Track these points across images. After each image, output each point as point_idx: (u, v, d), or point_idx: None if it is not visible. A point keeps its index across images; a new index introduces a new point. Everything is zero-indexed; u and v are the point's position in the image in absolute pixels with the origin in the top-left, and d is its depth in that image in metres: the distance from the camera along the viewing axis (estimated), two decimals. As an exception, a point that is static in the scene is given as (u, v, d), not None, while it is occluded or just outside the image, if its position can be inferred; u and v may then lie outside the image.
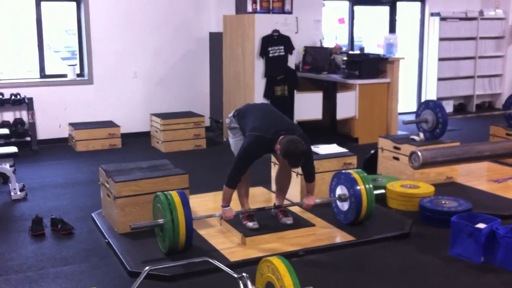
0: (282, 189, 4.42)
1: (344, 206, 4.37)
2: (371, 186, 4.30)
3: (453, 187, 5.35)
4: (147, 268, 2.90)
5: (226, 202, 4.01)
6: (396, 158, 5.55)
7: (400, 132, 7.53)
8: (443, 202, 4.57)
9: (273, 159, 4.99)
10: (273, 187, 4.73)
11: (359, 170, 4.56)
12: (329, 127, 7.80)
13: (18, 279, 3.58)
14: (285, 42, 6.79)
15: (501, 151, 2.38)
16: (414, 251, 4.02)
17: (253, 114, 4.15)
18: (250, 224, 4.14)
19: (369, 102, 7.48)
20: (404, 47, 9.35)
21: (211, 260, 2.98)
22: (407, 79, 9.69)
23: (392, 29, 9.57)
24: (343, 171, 4.52)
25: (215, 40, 7.81)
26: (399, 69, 7.60)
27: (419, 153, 2.30)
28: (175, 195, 3.81)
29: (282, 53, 6.80)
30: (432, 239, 4.22)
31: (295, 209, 4.67)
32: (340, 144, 5.46)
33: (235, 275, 2.84)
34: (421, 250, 4.03)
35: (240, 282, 2.80)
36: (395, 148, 5.57)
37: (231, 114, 4.35)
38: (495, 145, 2.41)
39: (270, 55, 6.73)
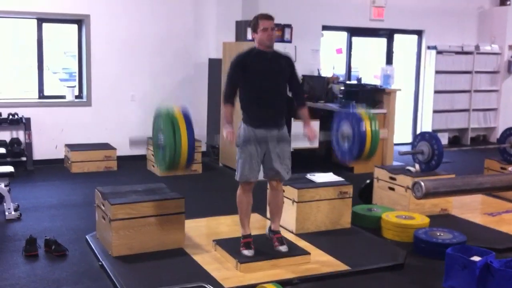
0: (275, 212, 4.40)
1: (347, 144, 4.32)
2: (377, 128, 4.24)
3: (448, 219, 5.36)
4: (141, 292, 2.89)
5: (227, 119, 4.16)
6: (392, 189, 5.57)
7: (395, 163, 7.57)
8: (438, 234, 4.58)
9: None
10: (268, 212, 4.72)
11: (367, 109, 4.54)
12: (325, 156, 7.82)
13: (9, 300, 3.55)
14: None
15: (500, 184, 2.43)
16: (408, 283, 4.02)
17: None
18: (246, 252, 4.14)
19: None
20: (401, 79, 9.46)
21: (207, 286, 2.97)
22: (403, 110, 9.77)
23: (389, 60, 9.69)
24: (346, 111, 4.46)
25: (214, 66, 7.88)
26: (396, 100, 7.67)
27: (422, 184, 2.36)
28: (177, 112, 3.76)
29: (281, 81, 6.84)
30: (426, 270, 4.22)
31: (290, 236, 4.68)
32: (335, 173, 5.49)
33: (231, 302, 2.83)
34: (415, 281, 4.03)
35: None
36: (391, 178, 5.59)
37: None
38: (495, 177, 2.48)
39: (269, 82, 6.77)
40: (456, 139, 10.22)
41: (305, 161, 7.57)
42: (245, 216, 4.28)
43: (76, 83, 7.84)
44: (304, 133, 4.24)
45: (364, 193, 5.84)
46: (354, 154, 4.25)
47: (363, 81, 8.27)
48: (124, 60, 7.78)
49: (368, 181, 5.94)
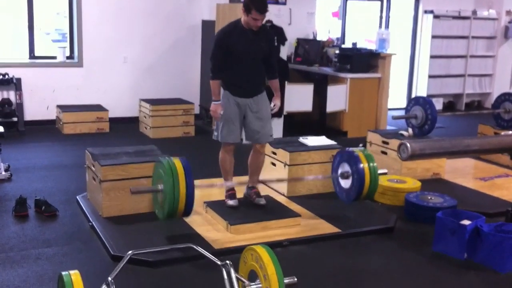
0: (254, 171, 4.47)
1: (347, 183, 4.30)
2: (375, 164, 4.22)
3: (440, 184, 5.37)
4: (129, 252, 2.88)
5: (215, 94, 4.21)
6: (384, 153, 5.56)
7: (389, 127, 7.55)
8: (429, 198, 4.58)
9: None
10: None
11: (363, 148, 4.54)
12: (319, 120, 7.78)
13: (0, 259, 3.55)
14: (278, 32, 6.74)
15: (488, 146, 2.38)
16: (397, 246, 4.03)
17: None
18: (231, 202, 4.25)
19: (359, 96, 7.48)
20: (397, 43, 9.36)
21: (195, 247, 2.96)
22: (398, 75, 9.69)
23: (385, 25, 9.56)
24: (346, 149, 4.44)
25: (208, 28, 7.76)
26: (391, 65, 7.60)
27: (408, 145, 2.30)
28: (177, 162, 3.73)
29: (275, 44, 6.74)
30: (416, 234, 4.24)
31: (281, 199, 4.68)
32: (329, 137, 5.46)
33: (219, 262, 2.82)
34: (405, 245, 4.04)
35: (223, 269, 2.78)
36: (384, 142, 5.58)
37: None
38: (483, 140, 2.41)
39: (263, 45, 6.68)
40: (451, 104, 10.19)
41: (299, 125, 7.55)
42: (228, 173, 4.39)
43: (67, 44, 7.71)
44: (273, 104, 4.40)
45: (356, 157, 5.81)
46: (353, 194, 4.24)
47: (358, 45, 8.17)
48: (115, 21, 7.64)
49: (360, 145, 5.91)
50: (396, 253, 3.93)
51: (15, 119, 7.16)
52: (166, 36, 7.93)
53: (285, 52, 7.04)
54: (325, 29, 9.09)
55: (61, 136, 7.06)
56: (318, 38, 8.48)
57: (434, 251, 3.90)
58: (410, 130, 5.61)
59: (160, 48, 7.93)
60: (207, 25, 7.83)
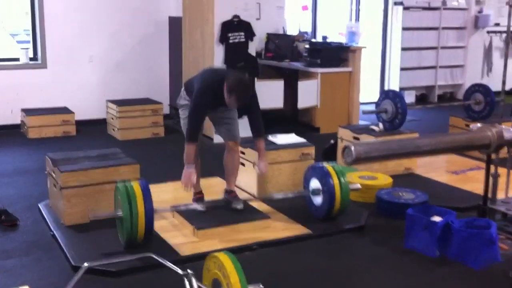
0: (231, 173, 4.35)
1: (318, 200, 4.21)
2: (345, 180, 4.13)
3: (411, 179, 5.31)
4: (85, 265, 2.74)
5: (189, 160, 3.91)
6: (355, 149, 5.48)
7: (361, 122, 7.47)
8: (400, 194, 4.52)
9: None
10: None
11: (334, 163, 4.42)
12: (291, 117, 7.70)
13: (-48, 274, 3.38)
14: (246, 28, 6.62)
15: (442, 146, 2.26)
16: (369, 244, 3.95)
17: (199, 76, 4.11)
18: (197, 205, 4.11)
19: (330, 91, 7.40)
20: (368, 36, 9.30)
21: (154, 256, 2.84)
22: (370, 68, 9.65)
23: (355, 17, 9.49)
24: (316, 164, 4.36)
25: (175, 24, 7.60)
26: (361, 58, 7.53)
27: (352, 148, 2.15)
28: (135, 186, 3.61)
29: (243, 40, 6.64)
30: (388, 231, 4.16)
31: (251, 201, 4.56)
32: (301, 133, 5.36)
33: (180, 272, 2.70)
34: (377, 243, 3.97)
35: (185, 279, 2.67)
36: (354, 138, 5.49)
37: (182, 88, 4.27)
38: (435, 139, 2.28)
39: (230, 41, 6.56)
40: (424, 96, 10.17)
41: (271, 122, 7.37)
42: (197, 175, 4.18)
43: (30, 45, 7.48)
44: (257, 166, 4.14)
45: (328, 154, 5.73)
46: (324, 212, 4.14)
47: (329, 39, 8.08)
48: (80, 19, 7.43)
49: (332, 141, 5.84)
50: (367, 251, 3.85)
51: (-23, 124, 6.93)
52: (133, 33, 7.75)
53: (254, 48, 6.92)
54: (295, 23, 8.98)
55: (26, 140, 6.84)
56: (288, 33, 8.37)
57: (406, 248, 3.83)
58: (380, 124, 5.54)
59: (126, 46, 7.74)
60: (174, 22, 7.67)
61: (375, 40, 9.78)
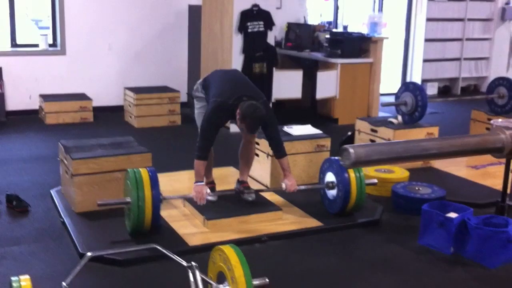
0: (245, 164, 4.28)
1: (332, 194, 4.11)
2: (361, 174, 4.03)
3: (429, 173, 5.18)
4: (88, 254, 2.71)
5: (199, 177, 3.82)
6: (373, 141, 5.37)
7: (381, 114, 7.35)
8: (417, 188, 4.40)
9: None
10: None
11: None
12: (309, 107, 7.60)
13: (-39, 259, 3.38)
14: (265, 17, 6.53)
15: (450, 149, 2.10)
16: (383, 240, 3.86)
17: (218, 81, 4.00)
18: (208, 190, 3.96)
19: (350, 82, 7.28)
20: (391, 26, 9.12)
21: (159, 248, 2.79)
22: (392, 59, 9.47)
23: (378, 7, 9.31)
24: (333, 157, 4.27)
25: (195, 13, 7.53)
26: (382, 49, 7.38)
27: (351, 150, 1.99)
28: (144, 172, 3.60)
29: (262, 29, 6.55)
30: (402, 227, 4.06)
31: (263, 192, 4.49)
32: (319, 124, 5.27)
33: (184, 264, 2.65)
34: (391, 238, 3.87)
35: (189, 271, 2.62)
36: (372, 130, 5.39)
37: (198, 82, 4.20)
38: (443, 141, 2.12)
39: (249, 30, 6.47)
40: (447, 89, 9.97)
41: (289, 113, 7.34)
42: (207, 169, 4.15)
43: (49, 31, 7.49)
44: (284, 185, 3.97)
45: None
46: (338, 207, 4.04)
47: (350, 29, 7.94)
48: (100, 7, 7.41)
49: (349, 133, 5.74)
50: (381, 247, 3.76)
51: (-4, 109, 6.97)
52: (152, 22, 7.70)
53: (272, 37, 6.82)
54: (317, 13, 8.85)
55: (44, 126, 6.86)
56: (310, 22, 8.25)
57: (420, 244, 3.73)
58: (399, 117, 5.42)
59: (146, 35, 7.71)
60: (194, 10, 7.60)
61: (398, 30, 9.60)
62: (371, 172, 4.69)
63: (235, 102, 3.74)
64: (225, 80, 4.02)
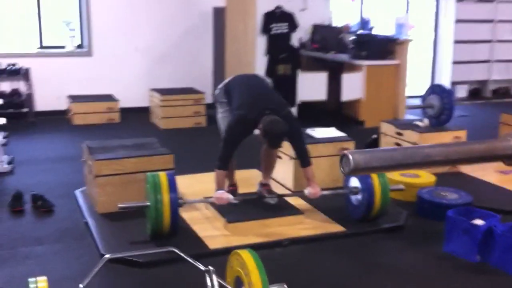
0: (268, 167, 4.27)
1: (356, 200, 4.05)
2: (386, 179, 3.97)
3: (457, 178, 5.07)
4: (106, 256, 2.72)
5: (219, 186, 3.81)
6: (398, 144, 5.29)
7: (408, 117, 7.24)
8: (443, 193, 4.31)
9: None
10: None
11: None
12: (335, 109, 7.53)
13: (-14, 258, 3.43)
14: (289, 19, 6.51)
15: (456, 156, 1.99)
16: (406, 246, 3.78)
17: (240, 90, 3.96)
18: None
19: (376, 84, 7.19)
20: (419, 28, 8.99)
21: (176, 251, 2.78)
22: (421, 61, 9.34)
23: (405, 9, 9.19)
24: None
25: (219, 15, 7.55)
26: (408, 51, 7.28)
27: (350, 157, 1.91)
28: (162, 177, 3.61)
29: (286, 31, 6.52)
30: (427, 233, 3.98)
31: (286, 195, 4.45)
32: (345, 126, 5.22)
33: (202, 268, 2.64)
34: (414, 245, 3.79)
35: (207, 275, 2.60)
36: (398, 133, 5.31)
37: (220, 86, 4.18)
38: (448, 148, 2.02)
39: (273, 32, 6.46)
40: (477, 91, 9.79)
41: (313, 115, 7.29)
42: (229, 172, 4.14)
43: (76, 33, 7.58)
44: (307, 192, 3.94)
45: (369, 148, 5.55)
46: (361, 213, 3.98)
47: (376, 31, 7.85)
48: (126, 9, 7.50)
49: (374, 136, 5.66)
50: (403, 253, 3.69)
51: (25, 110, 7.09)
52: (178, 24, 7.75)
53: (298, 39, 6.78)
54: (342, 14, 8.77)
55: (71, 127, 6.96)
56: (335, 24, 8.18)
57: (444, 251, 3.65)
58: (426, 120, 5.33)
59: (171, 36, 7.76)
60: (218, 12, 7.62)
61: (426, 32, 9.46)
62: (396, 177, 4.62)
63: (257, 118, 3.70)
64: (247, 89, 3.95)
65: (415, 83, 8.88)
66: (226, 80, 4.18)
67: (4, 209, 4.21)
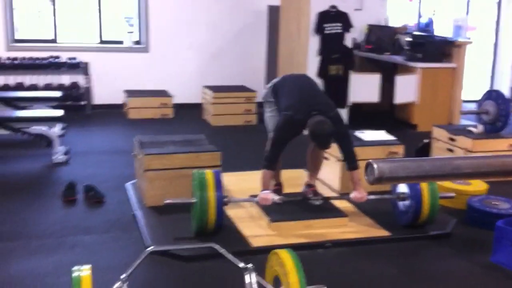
0: (314, 168, 4.27)
1: (404, 205, 3.99)
2: (435, 186, 3.90)
3: (510, 187, 4.88)
4: (148, 249, 2.79)
5: (265, 186, 3.83)
6: (450, 150, 5.17)
7: (463, 122, 7.06)
8: (494, 202, 4.19)
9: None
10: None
11: None
12: (387, 112, 7.43)
13: (37, 245, 3.57)
14: (343, 19, 6.45)
15: (486, 169, 1.90)
16: (452, 254, 3.70)
17: (288, 90, 3.96)
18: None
19: (431, 87, 7.04)
20: (479, 30, 8.73)
21: (216, 247, 2.82)
22: (480, 65, 9.07)
23: (466, 10, 8.94)
24: None
25: (274, 14, 7.57)
26: (466, 54, 7.09)
27: (375, 166, 1.85)
28: (209, 175, 3.66)
29: (339, 31, 6.47)
30: (475, 242, 3.88)
31: (330, 196, 4.44)
32: (397, 130, 5.14)
33: (241, 266, 2.67)
34: (461, 253, 3.71)
35: (245, 272, 2.63)
36: (450, 139, 5.19)
37: (268, 85, 4.21)
38: (480, 161, 1.93)
39: (326, 32, 6.42)
40: (539, 97, 9.41)
41: (365, 116, 7.23)
42: (277, 167, 4.13)
43: (135, 29, 7.78)
44: (352, 196, 3.90)
45: (420, 154, 5.46)
46: (408, 219, 3.92)
47: (435, 32, 7.67)
48: (182, 6, 7.64)
49: (426, 140, 5.55)
50: (448, 261, 3.61)
51: (83, 102, 7.33)
52: (232, 22, 7.83)
53: (352, 39, 6.72)
54: (399, 14, 8.63)
55: (126, 121, 7.15)
56: (391, 24, 8.06)
57: (492, 262, 3.55)
58: (479, 126, 5.18)
59: (225, 34, 7.84)
60: (273, 11, 7.64)
61: (487, 35, 9.17)
62: (446, 184, 4.52)
63: (305, 118, 3.71)
64: (295, 90, 3.95)
65: (473, 87, 8.63)
66: (275, 80, 4.19)
67: (58, 198, 4.37)
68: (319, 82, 6.32)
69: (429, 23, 8.15)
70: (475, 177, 2.33)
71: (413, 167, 1.94)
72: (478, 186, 4.57)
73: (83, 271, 2.36)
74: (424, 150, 5.47)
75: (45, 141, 5.40)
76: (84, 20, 7.90)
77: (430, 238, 3.90)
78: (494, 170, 1.92)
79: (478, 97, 8.50)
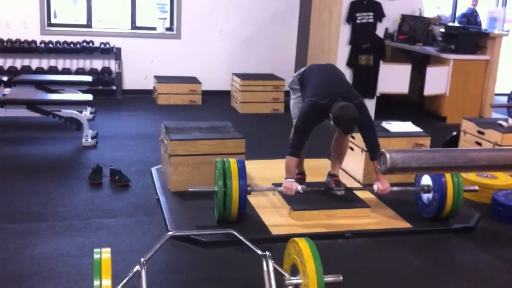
0: (337, 158, 4.25)
1: (427, 198, 3.95)
2: (460, 179, 3.84)
3: (539, 182, 4.81)
4: (168, 234, 2.83)
5: (290, 173, 3.83)
6: (479, 144, 5.09)
7: (495, 115, 6.93)
8: (520, 197, 4.13)
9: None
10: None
11: None
12: (417, 103, 7.34)
13: (62, 226, 3.66)
14: (375, 8, 6.37)
15: (502, 162, 1.87)
16: (475, 248, 3.67)
17: (314, 78, 3.96)
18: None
19: (463, 80, 6.92)
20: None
21: (235, 233, 2.84)
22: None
23: (502, 1, 8.73)
24: None
25: (306, 1, 7.51)
26: (501, 46, 6.93)
27: (387, 155, 1.83)
28: (232, 163, 3.67)
29: (371, 20, 6.39)
30: (499, 237, 3.84)
31: (355, 186, 4.42)
32: (425, 121, 5.09)
33: (259, 252, 2.69)
34: (484, 247, 3.67)
35: (263, 259, 2.66)
36: (479, 132, 5.10)
37: (295, 74, 4.22)
38: (496, 153, 1.90)
39: (358, 21, 6.35)
40: None
41: (394, 107, 7.16)
42: (300, 156, 4.12)
43: (167, 16, 7.83)
44: (375, 187, 3.85)
45: (448, 146, 5.38)
46: (432, 212, 3.88)
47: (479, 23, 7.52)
48: (214, -7, 7.65)
49: (454, 133, 5.47)
50: (471, 255, 3.58)
51: (114, 87, 7.43)
52: (263, 9, 7.81)
53: (382, 29, 6.64)
54: (434, 4, 8.48)
55: (155, 106, 7.22)
56: (425, 15, 7.93)
57: (515, 258, 3.51)
58: (510, 120, 5.08)
59: (256, 21, 7.83)
60: (305, -1, 7.59)
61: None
62: (472, 177, 4.46)
63: (329, 103, 3.70)
64: (320, 78, 3.95)
65: (506, 80, 8.45)
66: (302, 69, 4.19)
67: (84, 181, 4.46)
68: (348, 71, 6.29)
69: (469, 13, 7.99)
70: (490, 169, 2.30)
71: (426, 158, 1.92)
72: (504, 180, 4.50)
73: (104, 254, 2.42)
74: (452, 143, 5.39)
75: (75, 125, 5.51)
76: (118, 6, 7.98)
77: (453, 232, 3.87)
78: (510, 164, 1.89)
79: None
